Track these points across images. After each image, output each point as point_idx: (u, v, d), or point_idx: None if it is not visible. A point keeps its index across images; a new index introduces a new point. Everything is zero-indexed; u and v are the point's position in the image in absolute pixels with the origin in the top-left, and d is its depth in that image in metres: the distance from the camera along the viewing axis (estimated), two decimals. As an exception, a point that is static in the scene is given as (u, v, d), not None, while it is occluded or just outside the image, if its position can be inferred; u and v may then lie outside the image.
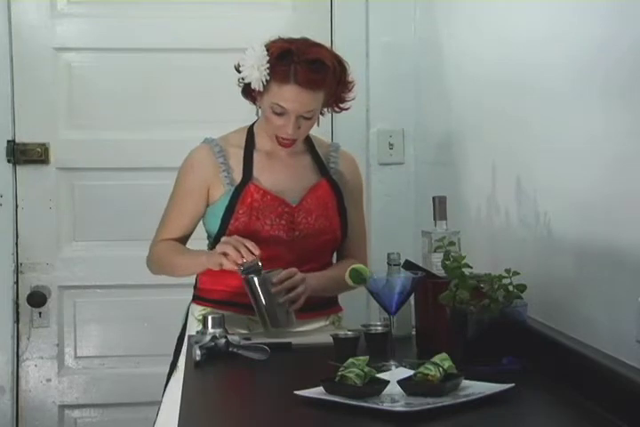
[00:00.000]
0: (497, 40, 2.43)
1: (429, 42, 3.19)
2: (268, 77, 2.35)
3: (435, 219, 2.27)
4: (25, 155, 3.28)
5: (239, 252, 2.29)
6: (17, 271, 3.30)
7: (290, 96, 2.35)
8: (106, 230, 3.34)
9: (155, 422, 2.50)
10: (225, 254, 2.31)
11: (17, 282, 3.30)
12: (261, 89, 2.37)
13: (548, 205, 2.09)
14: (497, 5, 2.44)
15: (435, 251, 2.20)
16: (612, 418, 1.62)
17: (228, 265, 2.31)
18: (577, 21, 1.92)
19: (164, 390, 2.49)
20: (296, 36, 2.44)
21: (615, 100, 1.77)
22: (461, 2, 2.79)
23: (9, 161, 3.27)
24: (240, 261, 2.29)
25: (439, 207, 2.27)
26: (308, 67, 2.34)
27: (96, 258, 3.34)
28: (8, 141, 3.27)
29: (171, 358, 2.53)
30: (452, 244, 2.16)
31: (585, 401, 1.72)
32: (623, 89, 1.73)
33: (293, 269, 2.37)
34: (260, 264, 2.31)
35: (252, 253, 2.30)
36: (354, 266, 2.13)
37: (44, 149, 3.29)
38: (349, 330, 2.25)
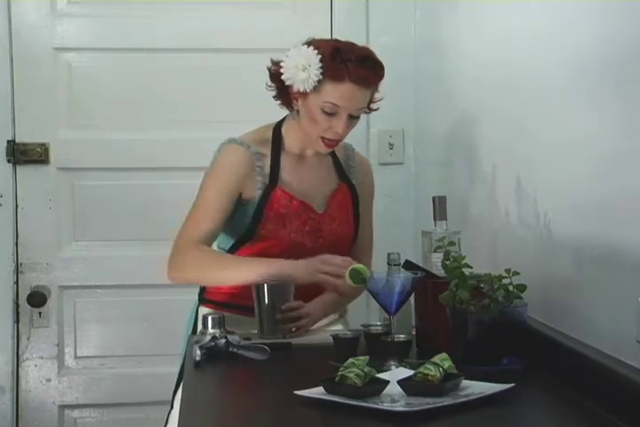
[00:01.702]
0: (497, 40, 2.43)
1: (429, 42, 3.19)
2: (320, 77, 2.32)
3: (435, 219, 2.27)
4: (25, 155, 3.28)
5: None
6: (17, 271, 3.30)
7: (345, 95, 2.33)
8: (106, 230, 3.34)
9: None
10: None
11: (17, 282, 3.30)
12: (309, 90, 2.33)
13: (548, 204, 2.09)
14: (497, 5, 2.44)
15: (435, 251, 2.20)
16: (611, 418, 1.62)
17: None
18: (575, 21, 1.92)
19: (174, 394, 2.47)
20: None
21: (614, 100, 1.77)
22: (461, 2, 2.79)
23: (9, 161, 3.27)
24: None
25: (439, 207, 2.27)
26: (361, 64, 2.33)
27: (96, 258, 3.34)
28: (8, 141, 3.27)
29: (174, 358, 2.52)
30: (452, 244, 2.15)
31: (585, 401, 1.72)
32: (622, 88, 1.73)
33: (301, 303, 2.36)
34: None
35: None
36: (354, 266, 2.12)
37: (44, 149, 3.29)
38: (349, 330, 2.24)
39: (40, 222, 3.29)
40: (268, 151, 2.46)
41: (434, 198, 2.28)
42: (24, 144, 3.28)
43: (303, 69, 2.32)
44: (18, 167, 3.29)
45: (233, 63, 3.17)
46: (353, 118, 2.39)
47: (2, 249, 3.28)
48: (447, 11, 2.95)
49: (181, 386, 2.30)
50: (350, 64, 2.32)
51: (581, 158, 1.91)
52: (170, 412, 2.46)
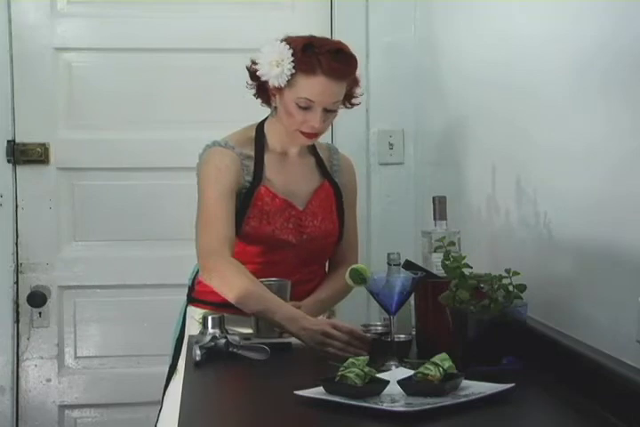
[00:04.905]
0: (497, 40, 2.43)
1: (429, 42, 3.19)
2: (293, 71, 2.33)
3: (435, 219, 2.27)
4: (25, 155, 3.28)
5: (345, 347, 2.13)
6: (17, 271, 3.30)
7: (318, 88, 2.34)
8: (106, 230, 3.34)
9: (155, 426, 2.50)
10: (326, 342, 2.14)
11: (17, 282, 3.30)
12: (283, 85, 2.34)
13: (548, 205, 2.09)
14: (497, 5, 2.44)
15: (435, 251, 2.20)
16: (611, 418, 1.62)
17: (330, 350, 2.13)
18: (576, 21, 1.92)
19: (164, 393, 2.48)
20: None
21: (615, 100, 1.77)
22: (461, 2, 2.79)
23: (9, 161, 3.27)
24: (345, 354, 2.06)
25: (439, 207, 2.27)
26: (332, 57, 2.34)
27: (96, 258, 3.34)
28: (8, 141, 3.27)
29: (170, 360, 2.53)
30: (451, 244, 2.15)
31: (585, 401, 1.72)
32: (623, 88, 1.73)
33: (296, 304, 2.33)
34: None
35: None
36: (354, 266, 2.12)
37: (44, 149, 3.29)
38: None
39: (40, 222, 3.29)
40: (251, 151, 2.47)
41: (434, 198, 2.28)
42: (24, 144, 3.28)
43: (277, 65, 2.34)
44: (18, 167, 3.29)
45: (233, 63, 3.16)
46: (329, 112, 2.39)
47: (2, 249, 3.28)
48: (447, 11, 2.96)
49: (174, 388, 2.31)
50: (322, 57, 2.33)
51: (581, 159, 1.91)
52: (160, 410, 2.47)
